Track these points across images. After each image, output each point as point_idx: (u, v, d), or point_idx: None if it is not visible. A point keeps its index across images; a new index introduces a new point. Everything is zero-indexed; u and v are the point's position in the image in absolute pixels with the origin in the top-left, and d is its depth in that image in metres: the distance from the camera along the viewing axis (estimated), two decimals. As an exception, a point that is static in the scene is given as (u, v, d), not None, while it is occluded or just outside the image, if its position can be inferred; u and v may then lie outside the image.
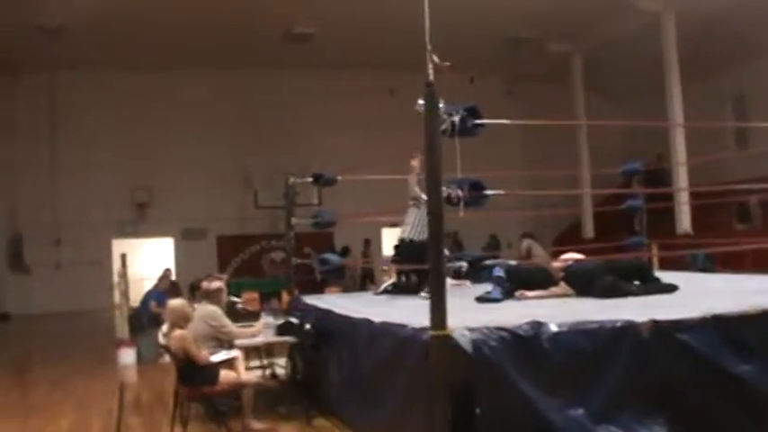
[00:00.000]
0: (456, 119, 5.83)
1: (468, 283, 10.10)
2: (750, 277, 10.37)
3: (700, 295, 8.03)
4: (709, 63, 23.31)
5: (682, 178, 22.00)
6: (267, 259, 25.13)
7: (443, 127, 5.77)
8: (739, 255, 16.51)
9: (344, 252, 22.01)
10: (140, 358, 12.50)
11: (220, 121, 24.90)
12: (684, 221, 21.87)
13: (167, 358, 12.73)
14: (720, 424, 6.10)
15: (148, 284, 17.07)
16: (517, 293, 8.53)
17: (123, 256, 14.30)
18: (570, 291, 8.45)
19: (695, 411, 6.05)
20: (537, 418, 5.59)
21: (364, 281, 21.27)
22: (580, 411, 5.72)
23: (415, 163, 9.32)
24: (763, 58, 22.78)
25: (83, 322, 20.68)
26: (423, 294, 8.37)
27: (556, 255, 9.96)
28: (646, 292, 8.23)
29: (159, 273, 17.45)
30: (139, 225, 25.25)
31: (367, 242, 24.43)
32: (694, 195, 19.75)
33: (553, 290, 8.53)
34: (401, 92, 20.07)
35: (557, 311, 6.67)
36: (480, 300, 8.38)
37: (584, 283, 8.37)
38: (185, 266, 22.05)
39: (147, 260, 23.67)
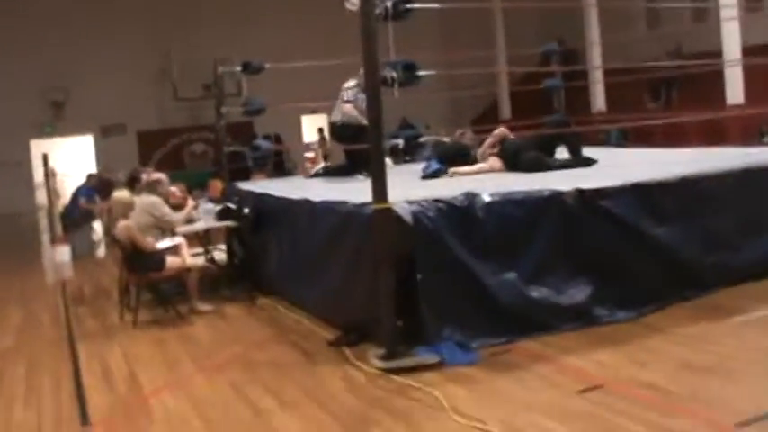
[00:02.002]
0: (389, 3, 6.09)
1: (390, 162, 10.49)
2: (662, 151, 10.91)
3: (618, 167, 8.51)
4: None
5: (595, 58, 22.44)
6: (188, 152, 25.17)
7: (378, 11, 6.02)
8: (651, 131, 17.13)
9: (277, 140, 22.11)
10: (74, 254, 12.64)
11: (134, 13, 24.20)
12: (599, 100, 22.47)
13: (100, 253, 13.02)
14: (639, 281, 6.67)
15: (70, 183, 16.99)
16: (450, 171, 8.94)
17: (45, 156, 14.31)
18: (500, 166, 8.91)
19: (617, 271, 6.59)
20: (473, 281, 6.06)
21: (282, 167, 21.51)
22: (513, 274, 6.21)
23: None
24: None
25: (3, 225, 20.49)
26: (363, 175, 8.74)
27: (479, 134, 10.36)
28: (566, 165, 8.72)
29: (81, 171, 17.43)
30: (57, 124, 24.76)
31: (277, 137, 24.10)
32: (607, 74, 20.25)
33: (483, 166, 8.96)
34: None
35: (489, 184, 7.07)
36: (425, 177, 8.85)
37: (513, 159, 8.85)
38: (106, 163, 21.78)
39: (67, 159, 23.37)
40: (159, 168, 20.14)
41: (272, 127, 22.35)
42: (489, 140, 9.27)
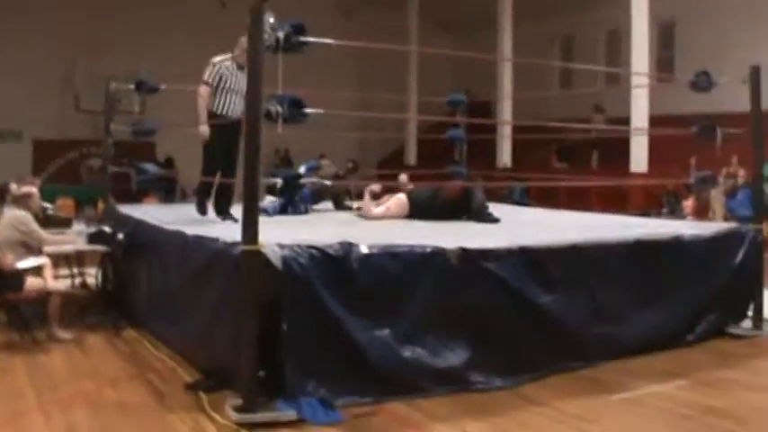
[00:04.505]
0: (281, 34, 5.78)
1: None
2: (561, 213, 10.86)
3: (511, 227, 8.33)
4: (541, 4, 23.82)
5: (506, 112, 22.52)
6: (85, 166, 24.36)
7: (268, 42, 5.71)
8: (555, 191, 17.13)
9: (168, 163, 21.47)
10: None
11: (40, 18, 23.29)
12: (505, 155, 22.50)
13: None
14: (520, 348, 6.42)
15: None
16: (362, 209, 9.34)
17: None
18: (402, 206, 9.18)
19: (497, 336, 6.32)
20: (343, 335, 5.72)
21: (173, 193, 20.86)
22: (386, 332, 5.87)
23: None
24: (591, 4, 23.43)
25: None
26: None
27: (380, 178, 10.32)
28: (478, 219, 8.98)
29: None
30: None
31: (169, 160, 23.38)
32: (516, 130, 20.29)
33: (392, 207, 9.20)
34: (233, 4, 19.69)
35: (371, 234, 6.78)
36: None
37: (422, 206, 9.10)
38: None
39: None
40: (54, 180, 19.48)
41: (175, 149, 21.82)
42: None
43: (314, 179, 9.01)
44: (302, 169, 10.14)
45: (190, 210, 9.28)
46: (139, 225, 8.59)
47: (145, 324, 8.03)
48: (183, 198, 19.91)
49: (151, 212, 9.50)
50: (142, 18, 24.11)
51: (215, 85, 8.46)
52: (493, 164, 21.71)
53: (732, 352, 7.62)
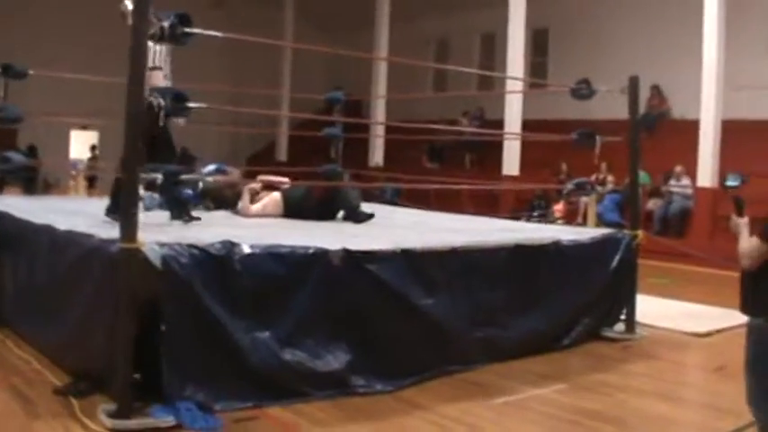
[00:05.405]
0: (166, 24, 5.55)
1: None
2: (437, 215, 10.88)
3: (390, 228, 8.27)
4: (418, 6, 23.95)
5: (379, 112, 22.53)
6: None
7: (152, 31, 5.47)
8: (426, 191, 17.23)
9: (31, 152, 20.64)
10: None
11: None
12: (377, 154, 22.53)
13: None
14: (401, 352, 6.36)
15: None
16: (240, 209, 9.07)
17: None
18: (281, 207, 9.00)
19: (378, 339, 6.24)
20: (223, 337, 5.54)
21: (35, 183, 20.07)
22: (267, 334, 5.72)
23: None
24: (467, 5, 23.67)
25: None
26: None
27: (251, 174, 10.15)
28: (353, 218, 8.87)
29: None
30: None
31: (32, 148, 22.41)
32: (389, 130, 20.37)
33: (269, 205, 9.01)
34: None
35: (252, 233, 6.61)
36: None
37: (296, 206, 8.92)
38: None
39: None
40: None
41: (38, 139, 21.11)
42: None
43: (195, 176, 8.73)
44: (209, 168, 9.89)
45: (60, 202, 8.86)
46: (3, 218, 8.14)
47: (9, 323, 7.58)
48: (46, 189, 19.24)
49: (15, 205, 9.03)
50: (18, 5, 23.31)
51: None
52: (365, 163, 21.70)
53: (607, 355, 7.76)
